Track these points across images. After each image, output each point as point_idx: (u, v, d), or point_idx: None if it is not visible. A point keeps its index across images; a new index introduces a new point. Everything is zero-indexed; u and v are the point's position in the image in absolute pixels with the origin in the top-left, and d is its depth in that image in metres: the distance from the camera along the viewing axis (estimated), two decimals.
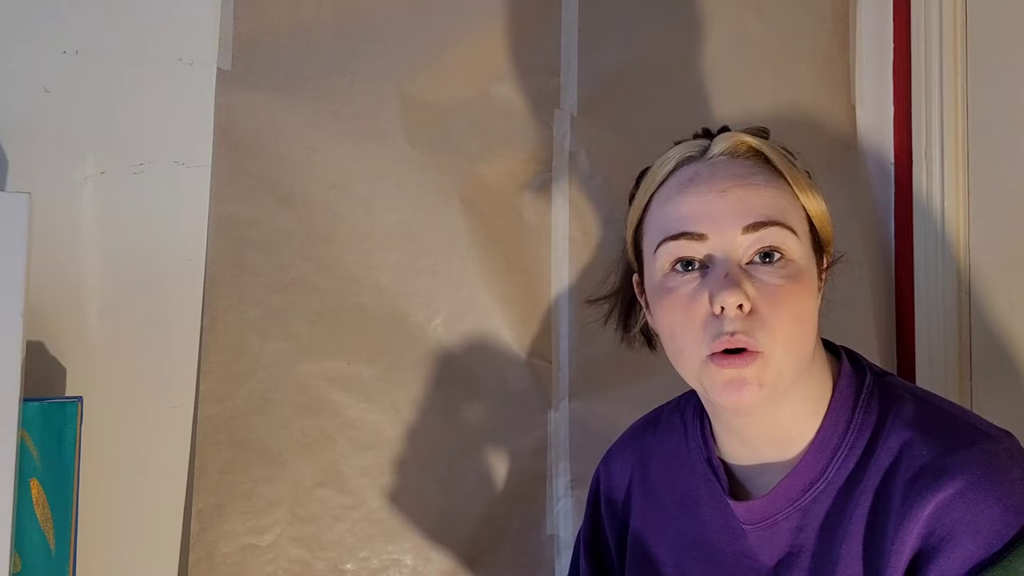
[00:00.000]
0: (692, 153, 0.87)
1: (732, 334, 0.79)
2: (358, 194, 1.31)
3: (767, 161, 0.86)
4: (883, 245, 1.50)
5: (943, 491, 0.77)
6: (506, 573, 1.33)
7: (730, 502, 0.89)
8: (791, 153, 0.90)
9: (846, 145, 1.49)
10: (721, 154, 0.85)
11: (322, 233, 1.30)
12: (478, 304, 1.34)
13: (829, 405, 0.86)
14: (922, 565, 0.77)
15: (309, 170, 1.30)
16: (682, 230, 0.82)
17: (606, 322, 0.99)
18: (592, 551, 1.06)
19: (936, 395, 0.88)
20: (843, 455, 0.84)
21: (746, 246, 0.81)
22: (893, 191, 1.49)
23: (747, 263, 0.81)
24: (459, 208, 1.34)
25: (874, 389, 0.87)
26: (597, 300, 0.98)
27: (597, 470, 1.07)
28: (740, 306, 0.79)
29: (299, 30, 1.31)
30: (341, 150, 1.31)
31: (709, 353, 0.81)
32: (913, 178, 1.45)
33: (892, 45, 1.52)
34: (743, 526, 0.89)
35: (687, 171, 0.85)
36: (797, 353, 0.82)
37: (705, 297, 0.81)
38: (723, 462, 0.92)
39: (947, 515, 0.77)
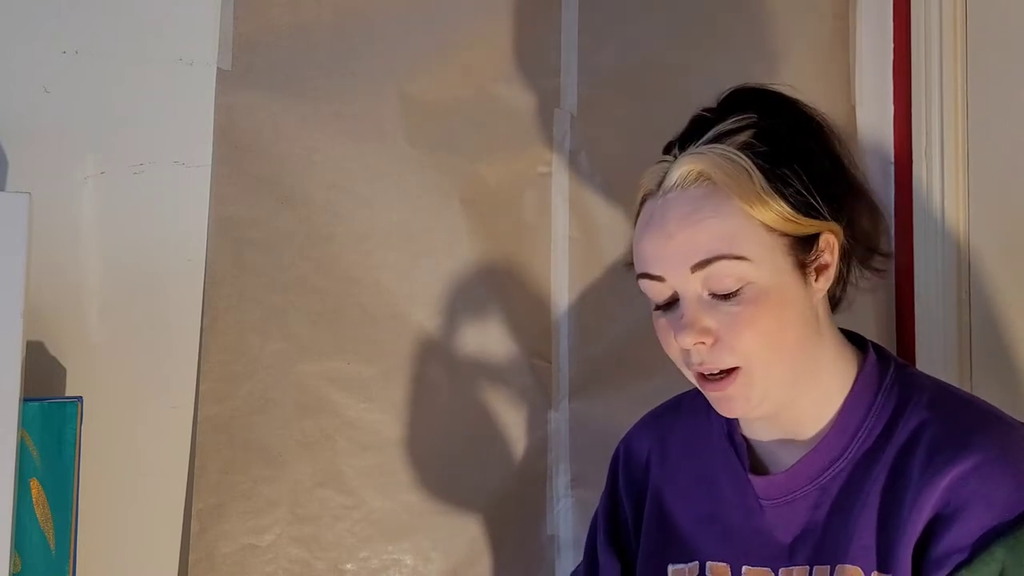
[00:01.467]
0: (651, 188, 0.89)
1: (700, 363, 0.87)
2: (358, 194, 1.31)
3: (717, 185, 0.85)
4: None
5: (960, 465, 0.81)
6: (506, 573, 1.33)
7: (750, 477, 0.92)
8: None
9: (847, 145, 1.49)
10: (672, 188, 0.87)
11: (322, 233, 1.30)
12: (478, 304, 1.34)
13: (851, 390, 0.89)
14: (935, 534, 0.81)
15: (309, 170, 1.30)
16: (643, 270, 0.88)
17: None
18: (611, 530, 1.06)
19: (956, 387, 0.92)
20: (863, 435, 0.88)
21: (700, 284, 0.85)
22: (893, 191, 1.49)
23: (708, 295, 0.86)
24: (459, 208, 1.34)
25: (896, 377, 0.90)
26: None
27: (617, 449, 1.09)
28: (703, 341, 0.85)
29: (299, 30, 1.31)
30: (341, 150, 1.31)
31: (694, 374, 0.89)
32: (913, 178, 1.44)
33: (892, 45, 1.52)
34: (760, 502, 0.91)
35: (648, 208, 0.89)
36: (780, 365, 0.86)
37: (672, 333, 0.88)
38: (745, 440, 0.95)
39: (963, 487, 0.80)
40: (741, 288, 0.84)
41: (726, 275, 0.84)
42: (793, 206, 0.85)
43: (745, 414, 0.89)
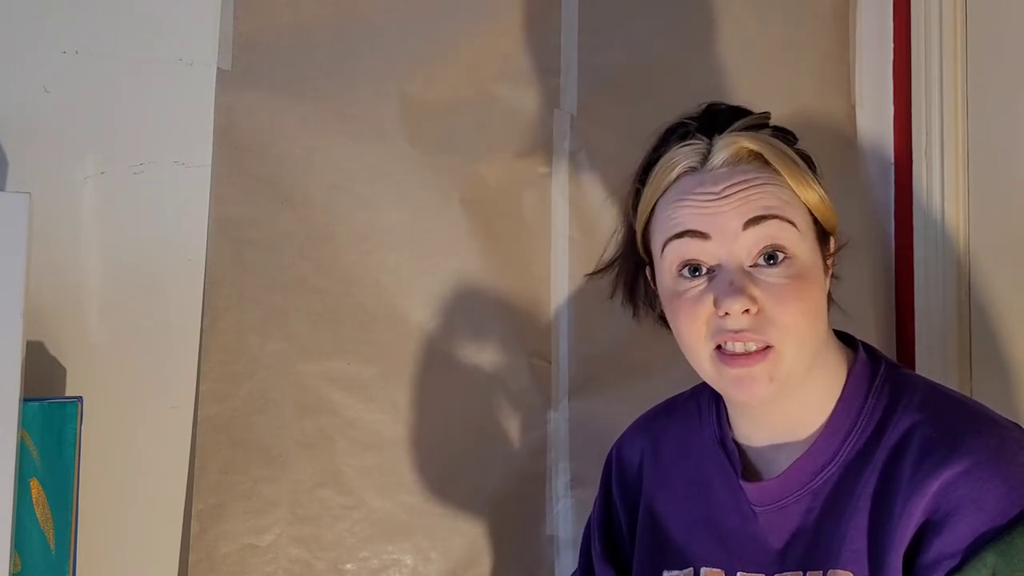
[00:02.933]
0: (694, 163, 0.88)
1: (738, 331, 0.83)
2: (358, 194, 1.31)
3: (766, 162, 0.87)
4: (883, 245, 1.50)
5: (951, 468, 0.79)
6: (506, 573, 1.33)
7: (742, 484, 0.91)
8: (790, 137, 0.91)
9: (846, 145, 1.49)
10: (722, 164, 0.86)
11: (322, 233, 1.30)
12: (478, 304, 1.34)
13: (843, 391, 0.89)
14: (925, 538, 0.80)
15: (309, 170, 1.30)
16: (686, 228, 0.85)
17: (612, 295, 1.01)
18: (605, 535, 1.07)
19: (949, 388, 0.91)
20: (855, 438, 0.87)
21: (749, 246, 0.84)
22: (893, 191, 1.49)
23: (752, 265, 0.84)
24: (459, 208, 1.34)
25: (888, 378, 0.89)
26: (596, 273, 1.01)
27: (610, 453, 1.09)
28: (747, 310, 0.82)
29: (299, 30, 1.31)
30: (341, 150, 1.31)
31: (715, 346, 0.85)
32: (913, 178, 1.44)
33: (892, 45, 1.52)
34: (753, 508, 0.91)
35: (687, 181, 0.87)
36: (809, 347, 0.85)
37: (710, 300, 0.84)
38: (737, 445, 0.94)
39: (953, 491, 0.79)
40: (786, 259, 0.84)
41: (777, 236, 0.83)
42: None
43: (763, 397, 0.85)
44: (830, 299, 0.93)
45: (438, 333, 1.33)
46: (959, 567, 0.77)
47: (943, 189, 1.39)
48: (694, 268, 0.86)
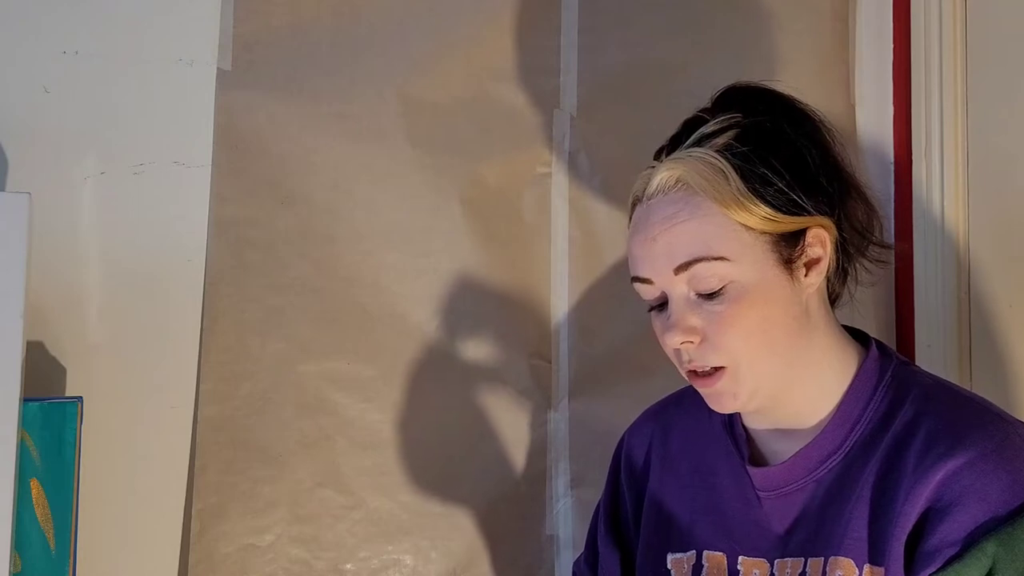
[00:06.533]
0: (638, 193, 0.92)
1: (689, 360, 0.89)
2: (358, 194, 1.31)
3: (696, 190, 0.86)
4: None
5: (955, 459, 0.81)
6: (506, 573, 1.33)
7: (748, 468, 0.93)
8: (731, 150, 0.87)
9: (846, 145, 1.49)
10: (655, 193, 0.89)
11: (322, 233, 1.30)
12: (478, 304, 1.34)
13: (851, 384, 0.90)
14: (928, 526, 0.81)
15: (309, 170, 1.30)
16: (634, 274, 0.91)
17: None
18: (612, 520, 1.08)
19: (957, 385, 0.93)
20: (861, 428, 0.89)
21: (684, 284, 0.87)
22: (893, 191, 1.49)
23: (694, 295, 0.87)
24: (459, 208, 1.34)
25: (896, 372, 0.91)
26: None
27: (620, 441, 1.11)
28: (690, 340, 0.87)
29: (299, 30, 1.31)
30: (341, 150, 1.31)
31: (685, 372, 0.91)
32: (913, 178, 1.44)
33: (892, 45, 1.52)
34: (758, 494, 0.92)
35: (636, 213, 0.92)
36: (768, 360, 0.87)
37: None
38: (745, 430, 0.96)
39: (956, 482, 0.80)
40: (724, 287, 0.86)
41: (708, 275, 0.86)
42: (773, 205, 0.86)
43: (735, 410, 0.90)
44: (839, 291, 0.93)
45: (438, 333, 1.33)
46: (959, 555, 0.79)
47: (943, 189, 1.39)
48: (650, 304, 0.91)
